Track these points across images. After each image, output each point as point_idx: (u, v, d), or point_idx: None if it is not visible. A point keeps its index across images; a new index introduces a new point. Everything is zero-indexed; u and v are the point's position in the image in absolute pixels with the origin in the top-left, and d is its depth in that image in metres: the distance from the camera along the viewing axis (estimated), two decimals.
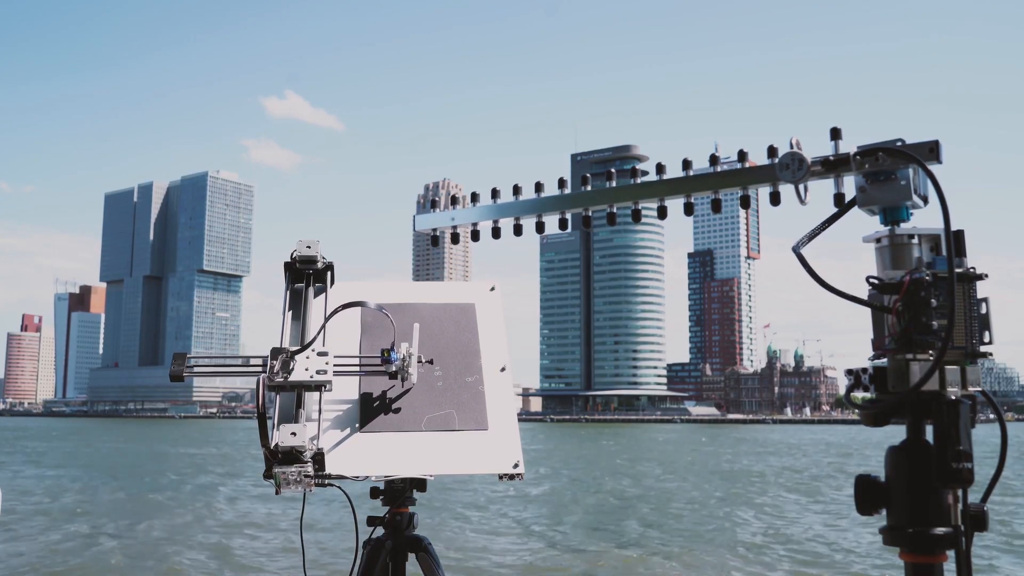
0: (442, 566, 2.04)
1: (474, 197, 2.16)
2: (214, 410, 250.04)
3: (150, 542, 17.42)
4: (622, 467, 41.74)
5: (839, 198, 1.60)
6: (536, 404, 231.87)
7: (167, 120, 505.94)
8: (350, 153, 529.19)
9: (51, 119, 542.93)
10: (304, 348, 1.74)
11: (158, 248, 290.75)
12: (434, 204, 2.29)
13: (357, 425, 1.94)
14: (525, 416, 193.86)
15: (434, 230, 2.26)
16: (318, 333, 1.83)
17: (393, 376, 1.88)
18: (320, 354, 1.74)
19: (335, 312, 1.91)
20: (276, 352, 1.72)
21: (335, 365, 1.76)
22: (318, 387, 1.73)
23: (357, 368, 1.92)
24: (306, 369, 1.72)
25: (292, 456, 1.65)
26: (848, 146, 1.58)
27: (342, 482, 1.88)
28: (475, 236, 2.19)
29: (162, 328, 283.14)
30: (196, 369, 1.77)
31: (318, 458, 1.68)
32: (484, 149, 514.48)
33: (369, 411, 1.97)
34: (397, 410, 1.96)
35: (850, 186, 1.59)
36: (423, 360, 1.98)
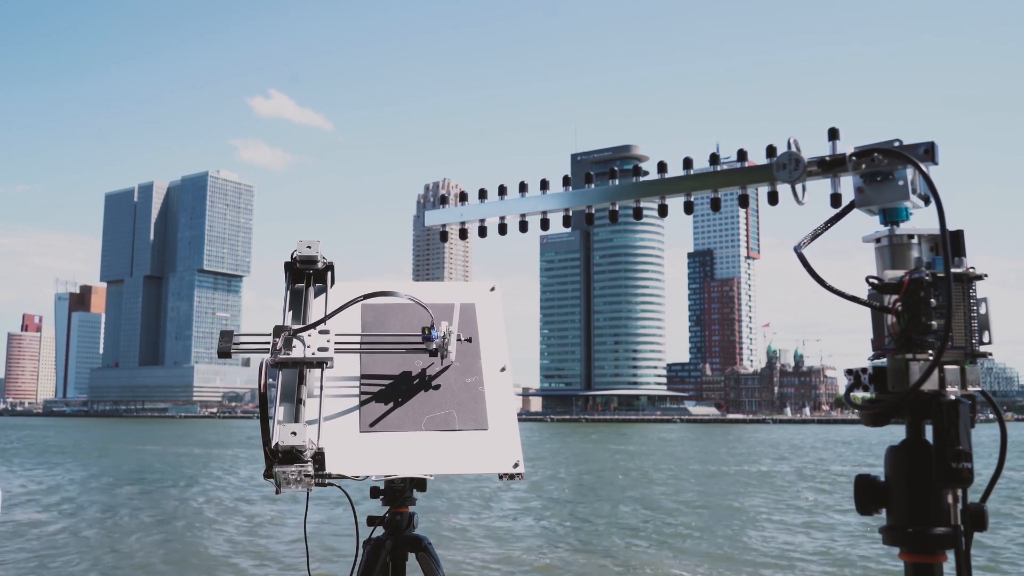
0: (442, 566, 2.05)
1: (482, 194, 2.19)
2: (214, 410, 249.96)
3: (150, 542, 17.40)
4: (623, 467, 41.73)
5: (836, 198, 1.60)
6: (536, 404, 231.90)
7: (161, 120, 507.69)
8: (346, 154, 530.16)
9: (51, 119, 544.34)
10: (308, 327, 1.79)
11: (158, 248, 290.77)
12: (443, 200, 2.33)
13: (357, 424, 1.95)
14: (525, 416, 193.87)
15: (444, 226, 2.28)
16: (331, 315, 1.86)
17: (434, 353, 1.98)
18: (322, 332, 1.79)
19: (363, 298, 1.97)
20: (279, 330, 1.77)
21: (336, 343, 1.80)
22: (320, 364, 1.77)
23: (358, 346, 2.00)
24: (308, 346, 1.76)
25: (292, 455, 1.65)
26: (846, 146, 1.58)
27: (342, 482, 1.88)
28: (482, 232, 2.21)
29: (162, 328, 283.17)
30: (242, 346, 1.82)
31: (318, 457, 1.69)
32: (484, 149, 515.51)
33: (375, 401, 1.98)
34: (437, 387, 2.02)
35: (848, 186, 1.59)
36: (462, 338, 2.04)
